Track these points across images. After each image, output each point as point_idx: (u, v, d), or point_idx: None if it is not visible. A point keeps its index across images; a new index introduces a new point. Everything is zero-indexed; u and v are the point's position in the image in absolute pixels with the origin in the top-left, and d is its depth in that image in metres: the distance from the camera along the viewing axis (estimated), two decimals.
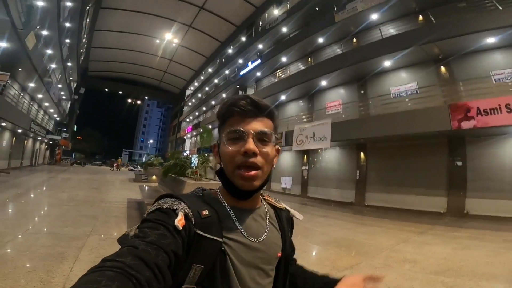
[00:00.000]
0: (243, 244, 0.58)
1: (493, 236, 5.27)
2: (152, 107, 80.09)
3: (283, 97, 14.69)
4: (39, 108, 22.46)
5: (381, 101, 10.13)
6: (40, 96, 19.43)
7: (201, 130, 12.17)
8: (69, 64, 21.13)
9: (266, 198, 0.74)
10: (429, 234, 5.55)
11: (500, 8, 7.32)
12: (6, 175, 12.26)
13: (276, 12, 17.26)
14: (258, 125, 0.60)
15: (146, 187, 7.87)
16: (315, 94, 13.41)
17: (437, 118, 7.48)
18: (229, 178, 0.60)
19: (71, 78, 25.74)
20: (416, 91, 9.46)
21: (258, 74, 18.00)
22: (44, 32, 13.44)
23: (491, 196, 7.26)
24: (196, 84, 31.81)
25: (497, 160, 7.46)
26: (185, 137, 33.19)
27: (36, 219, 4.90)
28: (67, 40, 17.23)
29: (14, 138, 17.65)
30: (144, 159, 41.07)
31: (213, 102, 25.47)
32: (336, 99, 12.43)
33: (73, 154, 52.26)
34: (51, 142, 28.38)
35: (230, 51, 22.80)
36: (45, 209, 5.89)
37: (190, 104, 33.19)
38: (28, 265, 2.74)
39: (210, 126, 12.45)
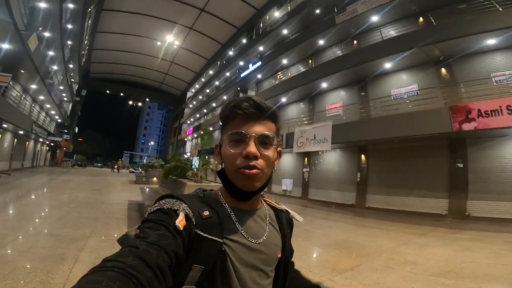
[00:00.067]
0: (243, 245, 0.58)
1: (494, 238, 5.24)
2: (153, 109, 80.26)
3: (283, 99, 14.69)
4: (41, 109, 22.54)
5: (382, 103, 10.11)
6: (41, 97, 19.50)
7: (202, 132, 12.18)
8: (70, 65, 21.24)
9: (266, 199, 0.74)
10: (430, 236, 5.53)
11: (500, 9, 7.34)
12: (7, 177, 12.29)
13: (276, 14, 17.32)
14: (260, 128, 0.60)
15: (147, 189, 7.90)
16: (316, 96, 13.41)
17: (438, 120, 7.48)
18: (230, 179, 0.61)
19: (72, 80, 25.85)
20: (417, 93, 9.45)
21: (259, 76, 18.05)
22: (46, 34, 13.55)
23: (493, 198, 7.23)
24: (197, 86, 31.89)
25: (498, 161, 7.43)
26: (186, 139, 33.26)
27: (37, 220, 4.90)
28: (69, 42, 17.34)
29: (15, 140, 17.68)
30: (145, 161, 41.13)
31: (214, 104, 25.52)
32: (336, 101, 12.42)
33: (74, 156, 52.41)
34: (52, 144, 28.40)
35: (231, 53, 22.87)
36: (46, 210, 5.89)
37: (191, 106, 33.30)
38: (28, 266, 2.74)
39: (211, 128, 12.52)
